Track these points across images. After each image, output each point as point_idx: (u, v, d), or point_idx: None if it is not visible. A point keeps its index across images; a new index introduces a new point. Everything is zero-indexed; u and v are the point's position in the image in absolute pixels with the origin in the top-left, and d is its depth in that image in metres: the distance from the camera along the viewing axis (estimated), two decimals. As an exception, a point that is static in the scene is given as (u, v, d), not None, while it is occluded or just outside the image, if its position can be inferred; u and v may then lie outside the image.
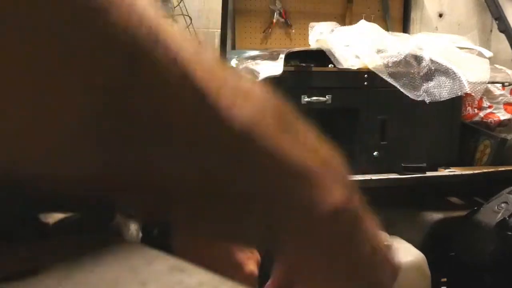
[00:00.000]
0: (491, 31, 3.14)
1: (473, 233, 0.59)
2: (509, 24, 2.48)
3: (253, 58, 2.21)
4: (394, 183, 0.66)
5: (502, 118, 2.53)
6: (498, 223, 0.56)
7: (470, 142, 2.52)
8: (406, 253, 0.56)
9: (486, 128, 2.52)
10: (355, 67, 2.14)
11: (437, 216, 0.64)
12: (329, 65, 2.16)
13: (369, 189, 0.65)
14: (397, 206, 0.66)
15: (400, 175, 0.67)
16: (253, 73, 2.03)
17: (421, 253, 0.56)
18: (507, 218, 0.55)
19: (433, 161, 2.18)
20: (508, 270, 0.55)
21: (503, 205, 0.58)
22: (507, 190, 0.61)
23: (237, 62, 2.26)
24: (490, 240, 0.56)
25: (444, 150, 2.36)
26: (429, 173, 0.68)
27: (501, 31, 2.52)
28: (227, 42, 2.08)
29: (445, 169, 2.07)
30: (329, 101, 2.11)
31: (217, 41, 2.66)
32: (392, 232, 0.60)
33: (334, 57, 2.15)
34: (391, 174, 0.67)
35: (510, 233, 0.54)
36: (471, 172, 0.70)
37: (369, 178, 0.64)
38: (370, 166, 2.17)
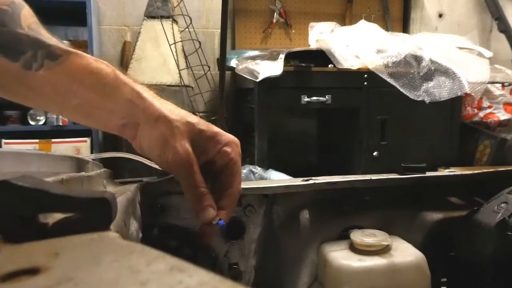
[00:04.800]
0: (491, 31, 3.14)
1: (473, 233, 0.59)
2: (509, 24, 2.48)
3: (253, 58, 2.21)
4: (394, 183, 0.65)
5: (502, 118, 2.54)
6: (498, 223, 0.56)
7: (470, 142, 2.52)
8: (405, 253, 0.56)
9: (486, 128, 2.52)
10: (355, 67, 2.14)
11: (437, 216, 0.64)
12: (329, 65, 2.17)
13: (369, 189, 0.65)
14: (397, 206, 0.66)
15: (400, 175, 0.67)
16: (253, 73, 2.03)
17: (421, 253, 0.56)
18: (507, 218, 0.55)
19: (433, 161, 2.18)
20: (508, 270, 0.55)
21: (503, 205, 0.58)
22: (507, 190, 0.61)
23: (237, 62, 2.26)
24: (490, 240, 0.56)
25: (444, 150, 2.36)
26: (429, 173, 0.68)
27: (501, 31, 2.52)
28: (227, 42, 2.08)
29: (444, 169, 2.07)
30: (329, 101, 2.12)
31: (217, 41, 2.67)
32: (392, 232, 0.60)
33: (334, 57, 2.15)
34: (391, 174, 0.67)
35: (510, 233, 0.54)
36: (471, 172, 0.70)
37: (369, 178, 0.64)
38: (370, 165, 2.18)
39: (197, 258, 0.58)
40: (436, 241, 0.63)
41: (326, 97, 2.11)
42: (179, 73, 2.18)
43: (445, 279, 0.63)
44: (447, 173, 0.70)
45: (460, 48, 2.42)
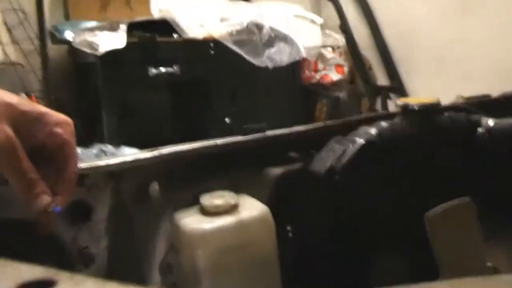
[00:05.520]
0: (320, -1, 3.43)
1: (308, 182, 0.66)
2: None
3: (91, 29, 2.03)
4: (238, 145, 0.69)
5: (334, 78, 2.84)
6: (328, 170, 0.63)
7: (311, 102, 2.79)
8: (252, 209, 0.60)
9: (322, 88, 2.80)
10: (200, 36, 2.15)
11: (278, 171, 0.70)
12: (175, 35, 2.13)
13: (216, 154, 0.68)
14: (243, 166, 0.69)
15: (243, 136, 0.71)
16: (93, 45, 1.88)
17: (266, 207, 0.61)
18: (334, 164, 0.63)
19: (281, 122, 2.34)
20: (334, 210, 0.64)
21: (330, 153, 0.66)
22: (334, 140, 0.69)
23: (73, 34, 2.06)
24: (322, 186, 0.64)
25: (289, 112, 2.57)
26: (268, 132, 0.73)
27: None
28: (60, 12, 1.88)
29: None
30: (178, 72, 2.09)
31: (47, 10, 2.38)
32: (240, 191, 0.64)
33: (179, 26, 2.12)
34: (235, 137, 0.71)
35: (337, 177, 0.62)
36: (304, 128, 0.78)
37: (214, 143, 0.67)
38: (223, 132, 2.24)
39: (38, 251, 0.54)
40: (278, 194, 0.69)
41: (174, 68, 2.09)
42: (3, 49, 1.91)
43: (289, 228, 0.70)
44: (285, 131, 0.76)
45: (296, 16, 2.60)
